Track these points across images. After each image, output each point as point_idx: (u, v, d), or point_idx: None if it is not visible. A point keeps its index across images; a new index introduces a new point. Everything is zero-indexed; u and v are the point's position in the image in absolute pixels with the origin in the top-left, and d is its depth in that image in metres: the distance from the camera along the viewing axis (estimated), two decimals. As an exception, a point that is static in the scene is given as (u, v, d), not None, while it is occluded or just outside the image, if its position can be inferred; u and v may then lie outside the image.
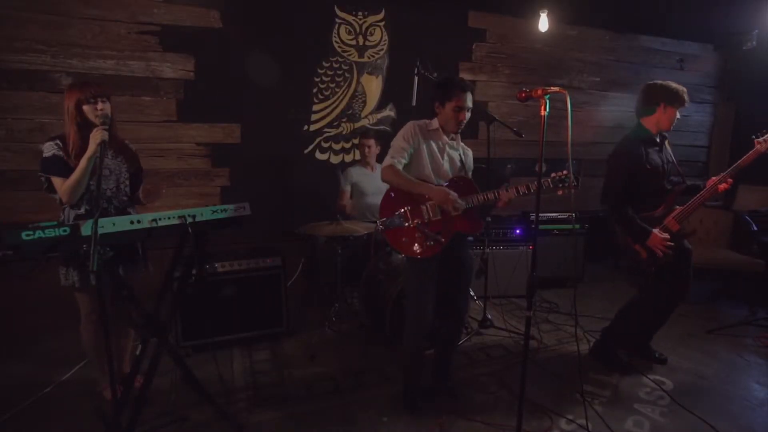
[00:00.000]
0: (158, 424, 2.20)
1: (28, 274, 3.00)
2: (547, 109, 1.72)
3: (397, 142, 2.27)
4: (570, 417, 2.28)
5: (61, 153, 2.09)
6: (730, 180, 2.48)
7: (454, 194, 2.19)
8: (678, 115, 2.51)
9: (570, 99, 1.68)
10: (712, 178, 2.54)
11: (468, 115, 2.26)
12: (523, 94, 1.83)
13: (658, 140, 2.59)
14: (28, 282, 3.05)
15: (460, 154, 2.37)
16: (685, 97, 2.49)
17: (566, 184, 2.11)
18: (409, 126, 2.29)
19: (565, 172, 2.10)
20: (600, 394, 2.53)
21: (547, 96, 1.72)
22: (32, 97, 3.25)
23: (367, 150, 3.62)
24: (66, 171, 2.07)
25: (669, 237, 2.50)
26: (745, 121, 5.48)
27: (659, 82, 2.55)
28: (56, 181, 2.09)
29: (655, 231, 2.49)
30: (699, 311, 3.73)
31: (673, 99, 2.48)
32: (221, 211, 2.10)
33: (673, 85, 2.50)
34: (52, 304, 3.01)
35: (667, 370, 2.78)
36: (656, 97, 2.51)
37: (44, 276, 3.03)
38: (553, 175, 2.14)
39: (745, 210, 4.18)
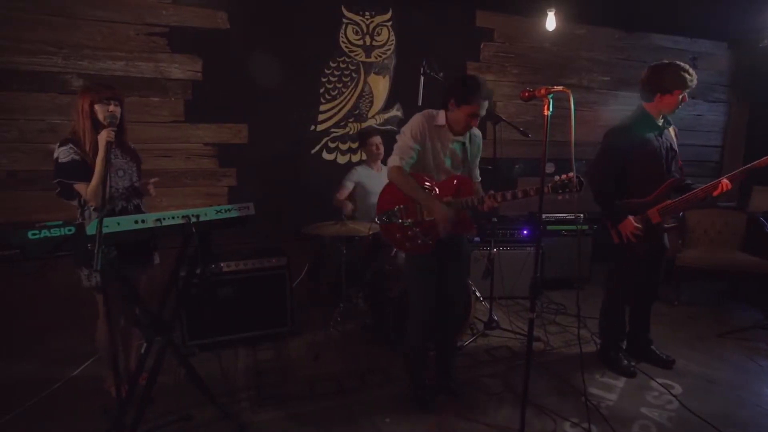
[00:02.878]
0: (162, 423, 2.21)
1: (36, 273, 3.05)
2: (551, 109, 1.70)
3: (405, 139, 2.23)
4: (575, 420, 2.25)
5: (78, 157, 2.10)
6: (728, 183, 2.38)
7: (450, 223, 2.17)
8: (681, 98, 2.43)
9: (573, 98, 1.65)
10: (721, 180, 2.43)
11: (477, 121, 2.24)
12: (527, 94, 1.81)
13: (659, 125, 2.53)
14: (36, 281, 3.10)
15: (465, 143, 2.33)
16: (685, 80, 2.38)
17: (567, 189, 2.00)
18: (417, 121, 2.24)
19: (565, 176, 2.00)
20: (606, 398, 2.49)
21: (551, 95, 1.70)
22: (43, 98, 3.30)
23: (375, 148, 3.59)
24: (87, 174, 2.09)
25: (642, 226, 2.49)
26: (760, 119, 5.36)
27: (658, 66, 2.45)
28: (81, 186, 2.11)
29: (631, 217, 2.49)
30: (709, 314, 3.67)
31: (669, 87, 2.41)
32: (225, 211, 2.11)
33: (671, 71, 2.40)
34: (60, 303, 3.06)
35: (675, 373, 2.73)
36: (652, 87, 2.47)
37: (52, 275, 3.09)
38: (556, 178, 2.08)
39: (759, 211, 4.10)
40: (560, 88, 1.68)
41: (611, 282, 2.80)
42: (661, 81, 2.43)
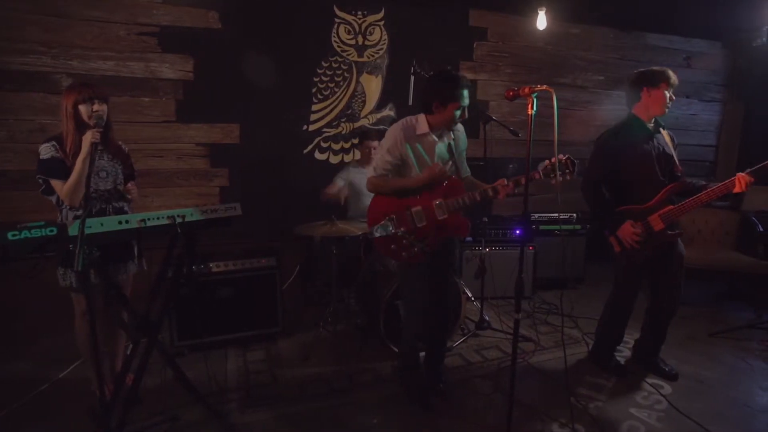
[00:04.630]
0: (149, 424, 2.20)
1: (30, 273, 3.02)
2: (535, 108, 1.69)
3: (382, 153, 2.25)
4: (563, 421, 2.24)
5: (59, 155, 2.10)
6: (744, 176, 2.26)
7: (439, 166, 2.18)
8: (668, 97, 2.42)
9: (556, 98, 1.64)
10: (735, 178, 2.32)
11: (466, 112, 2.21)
12: (511, 93, 1.80)
13: (650, 128, 2.50)
14: (29, 281, 3.08)
15: (449, 144, 2.31)
16: (668, 74, 2.41)
17: (562, 172, 2.01)
18: (394, 136, 2.21)
19: (556, 158, 1.99)
20: (596, 398, 2.49)
21: (534, 94, 1.70)
22: (33, 98, 3.29)
23: (369, 152, 3.55)
24: (65, 173, 2.08)
25: (640, 231, 2.42)
26: (754, 119, 5.35)
27: (640, 69, 2.51)
28: (56, 183, 2.10)
29: (629, 222, 2.43)
30: (702, 314, 3.66)
31: (654, 80, 2.41)
32: (211, 211, 2.10)
33: (653, 69, 2.44)
34: (53, 303, 3.03)
35: (666, 373, 2.72)
36: (637, 83, 2.47)
37: (45, 275, 3.07)
38: (546, 162, 2.04)
39: (753, 210, 4.09)
40: (544, 87, 1.67)
41: (613, 291, 2.73)
42: (646, 76, 2.44)
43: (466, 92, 2.13)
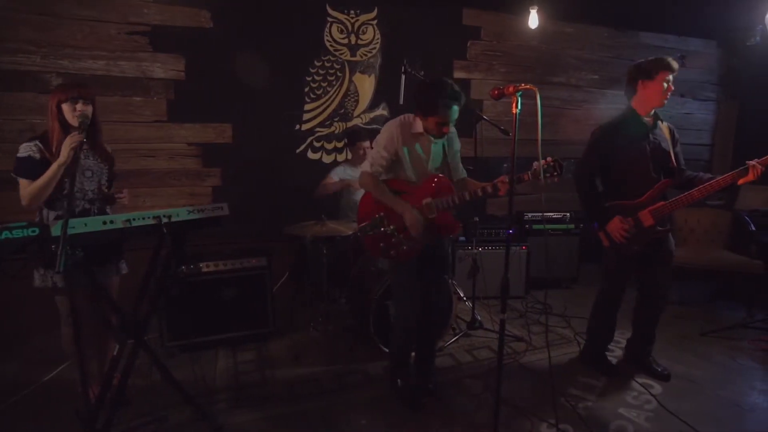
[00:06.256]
0: (136, 425, 2.20)
1: (18, 274, 3.01)
2: (519, 106, 1.68)
3: (378, 149, 2.23)
4: (552, 421, 2.23)
5: (37, 155, 2.05)
6: (755, 165, 2.19)
7: (420, 227, 2.16)
8: (666, 87, 2.36)
9: (540, 96, 1.63)
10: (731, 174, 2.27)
11: (452, 125, 2.19)
12: (496, 92, 1.80)
13: (647, 123, 2.46)
14: (19, 281, 3.07)
15: (443, 144, 2.30)
16: (665, 63, 2.34)
17: (550, 174, 2.02)
18: (390, 132, 2.20)
19: (543, 161, 2.00)
20: (586, 398, 2.48)
21: (519, 93, 1.69)
22: (23, 97, 3.27)
23: (363, 152, 3.54)
24: (35, 174, 2.02)
25: (629, 227, 2.40)
26: (749, 118, 5.36)
27: (639, 60, 2.46)
28: (23, 183, 2.05)
29: (618, 217, 2.42)
30: (694, 313, 3.66)
31: (649, 72, 2.37)
32: (198, 211, 2.09)
33: (650, 59, 2.40)
34: (45, 304, 3.03)
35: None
36: (633, 76, 2.44)
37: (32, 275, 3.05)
38: (535, 165, 2.03)
39: (745, 210, 4.09)
40: (528, 86, 1.67)
41: (600, 288, 2.74)
42: (642, 68, 2.40)
43: (453, 109, 2.09)
